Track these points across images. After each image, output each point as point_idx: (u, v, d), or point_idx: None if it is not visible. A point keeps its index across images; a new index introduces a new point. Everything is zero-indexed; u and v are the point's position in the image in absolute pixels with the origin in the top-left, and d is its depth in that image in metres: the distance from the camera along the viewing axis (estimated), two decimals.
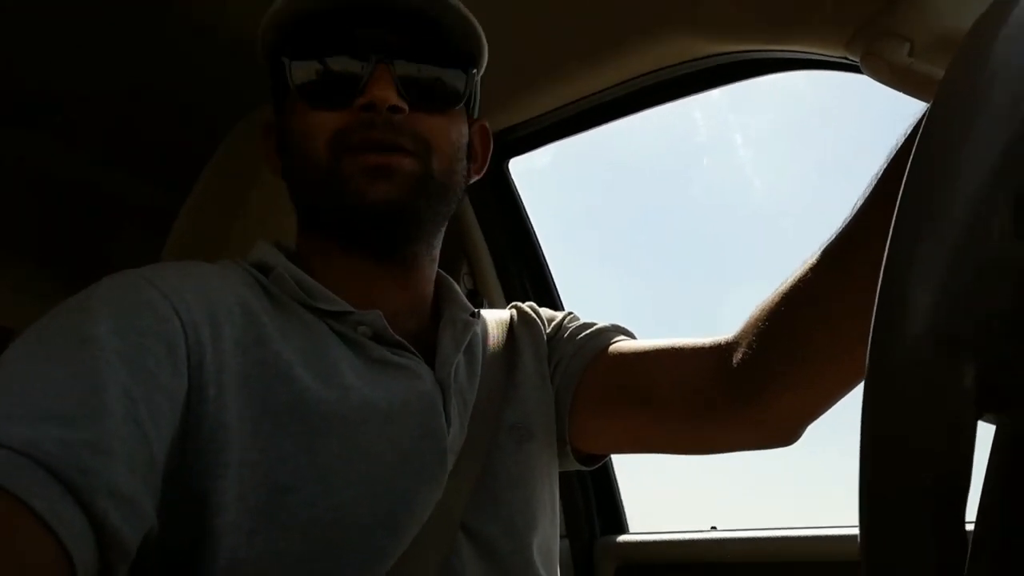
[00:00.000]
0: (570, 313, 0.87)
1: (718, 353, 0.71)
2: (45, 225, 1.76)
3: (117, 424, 0.48)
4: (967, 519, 0.25)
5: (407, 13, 0.68)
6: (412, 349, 0.69)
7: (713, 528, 1.24)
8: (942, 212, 0.26)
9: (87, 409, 0.48)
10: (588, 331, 0.81)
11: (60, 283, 1.81)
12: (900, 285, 0.26)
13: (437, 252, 0.77)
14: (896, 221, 0.27)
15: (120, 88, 1.36)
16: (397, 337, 0.68)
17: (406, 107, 0.67)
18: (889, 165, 0.58)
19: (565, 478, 1.37)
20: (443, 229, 0.76)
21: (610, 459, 1.41)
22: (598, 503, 1.38)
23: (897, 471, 0.25)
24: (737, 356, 0.69)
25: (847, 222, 0.62)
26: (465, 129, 0.75)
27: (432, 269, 0.77)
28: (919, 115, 0.57)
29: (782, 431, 0.71)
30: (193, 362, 0.56)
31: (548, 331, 0.84)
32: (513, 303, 0.88)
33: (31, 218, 1.74)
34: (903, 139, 0.57)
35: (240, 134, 1.13)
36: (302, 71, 0.68)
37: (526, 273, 1.42)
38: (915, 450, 0.25)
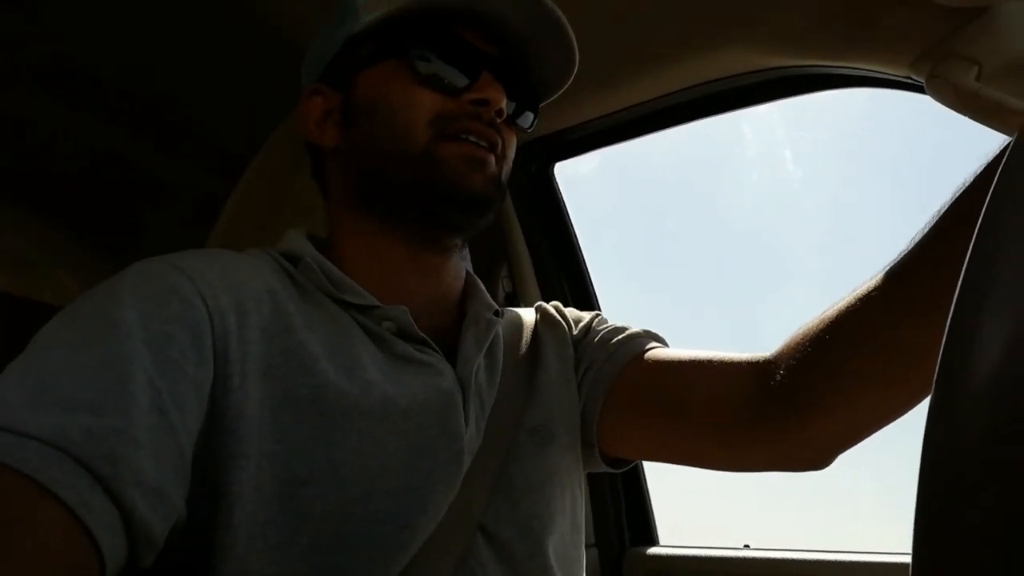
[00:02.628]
0: (598, 314, 0.86)
1: (755, 371, 0.71)
2: (95, 205, 1.80)
3: (143, 414, 0.49)
4: None
5: (517, 36, 0.73)
6: (435, 346, 0.69)
7: (746, 546, 1.22)
8: (1013, 277, 0.25)
9: (114, 398, 0.48)
10: (621, 336, 0.80)
11: (108, 263, 1.86)
12: (971, 324, 0.25)
13: (466, 249, 0.79)
14: (971, 256, 0.26)
15: (176, 74, 1.39)
16: (421, 334, 0.68)
17: (505, 115, 0.72)
18: (955, 202, 0.56)
19: (596, 487, 1.37)
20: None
21: (642, 469, 1.40)
22: (628, 513, 1.37)
23: (960, 506, 0.24)
24: (775, 376, 0.68)
25: (904, 254, 0.60)
26: None
27: (461, 265, 0.78)
28: (993, 153, 0.55)
29: (814, 457, 0.70)
30: (219, 350, 0.56)
31: (575, 333, 0.83)
32: (539, 303, 0.88)
33: (82, 198, 1.79)
34: (973, 176, 0.55)
35: (290, 125, 1.14)
36: (420, 51, 0.70)
37: (565, 278, 1.41)
38: (980, 487, 0.24)
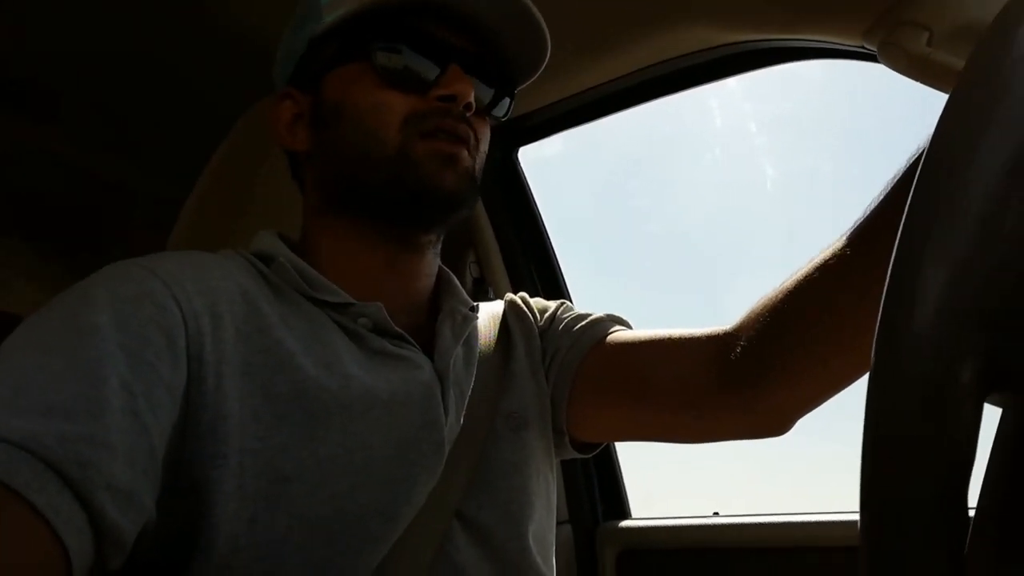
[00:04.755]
0: (563, 303, 0.87)
1: (716, 343, 0.72)
2: (52, 213, 1.77)
3: (116, 417, 0.48)
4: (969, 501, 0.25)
5: (487, 28, 0.71)
6: (412, 341, 0.69)
7: (715, 514, 1.24)
8: (957, 197, 0.25)
9: (86, 402, 0.48)
10: (584, 322, 0.81)
11: (66, 270, 1.84)
12: (912, 262, 0.26)
13: (440, 247, 0.78)
14: (911, 202, 0.27)
15: (126, 78, 1.36)
16: (397, 329, 0.69)
17: (475, 107, 0.70)
18: (909, 168, 0.57)
19: (568, 463, 1.38)
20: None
21: (612, 445, 1.41)
22: (600, 489, 1.38)
23: (901, 451, 0.25)
24: (736, 347, 0.70)
25: (859, 222, 0.61)
26: None
27: (435, 262, 0.78)
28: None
29: (774, 422, 0.72)
30: (192, 353, 0.56)
31: (541, 323, 0.84)
32: (507, 295, 0.88)
33: (38, 206, 1.75)
34: (925, 143, 0.56)
35: (246, 126, 1.13)
36: (385, 51, 0.69)
37: (533, 262, 1.41)
38: (919, 430, 0.25)
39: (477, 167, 0.73)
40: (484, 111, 0.74)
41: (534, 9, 0.70)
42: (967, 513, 0.25)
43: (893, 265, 0.26)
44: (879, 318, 0.26)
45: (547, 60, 0.75)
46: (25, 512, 0.43)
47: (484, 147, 0.74)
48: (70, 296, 0.55)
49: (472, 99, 0.69)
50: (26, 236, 1.85)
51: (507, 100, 0.77)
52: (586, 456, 0.84)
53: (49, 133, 1.53)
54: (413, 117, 0.68)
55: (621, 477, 1.40)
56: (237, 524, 0.55)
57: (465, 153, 0.70)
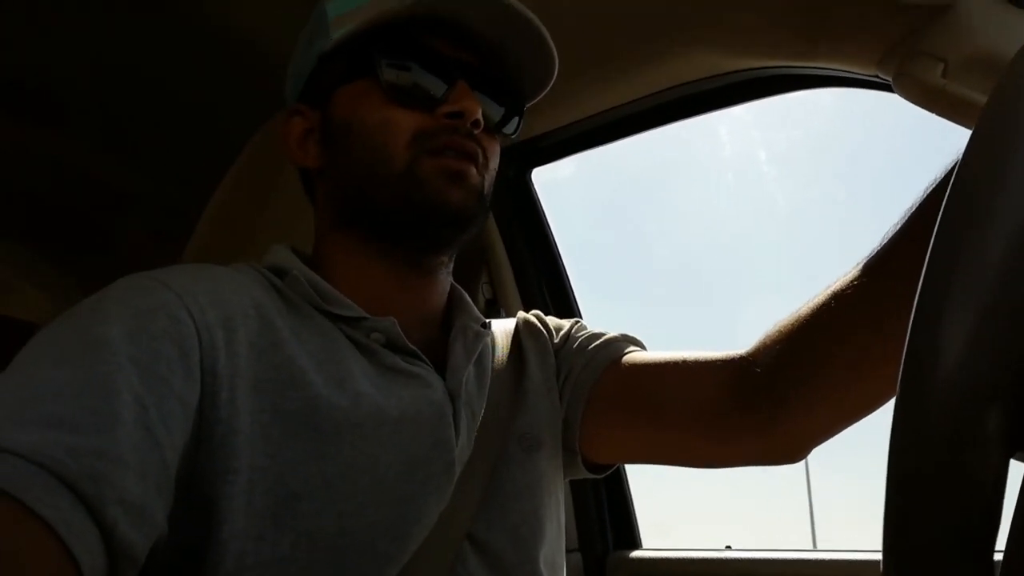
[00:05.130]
0: (578, 321, 0.87)
1: (731, 368, 0.72)
2: (60, 219, 1.78)
3: (128, 431, 0.48)
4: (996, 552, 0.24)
5: (494, 45, 0.71)
6: (424, 358, 0.69)
7: (728, 548, 1.23)
8: (979, 252, 0.25)
9: (99, 416, 0.47)
10: (599, 341, 0.81)
11: (72, 276, 1.85)
12: (932, 324, 0.26)
13: (452, 265, 0.78)
14: (930, 258, 0.27)
15: (146, 90, 1.37)
16: (410, 345, 0.68)
17: (483, 124, 0.70)
18: (927, 198, 0.57)
19: (578, 490, 1.37)
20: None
21: (624, 472, 1.40)
22: (611, 517, 1.37)
23: (925, 493, 0.25)
24: (751, 373, 0.69)
25: (876, 251, 0.61)
26: None
27: (447, 281, 0.78)
28: (961, 152, 0.56)
29: (789, 449, 0.71)
30: (206, 366, 0.55)
31: (555, 341, 0.84)
32: (520, 312, 0.88)
33: (46, 212, 1.77)
34: (943, 173, 0.56)
35: (262, 139, 1.14)
36: (392, 68, 0.69)
37: (545, 282, 1.41)
38: (944, 490, 0.25)
39: (486, 184, 0.72)
40: (494, 129, 0.74)
41: (540, 25, 0.70)
42: (993, 567, 0.25)
43: (917, 306, 0.26)
44: (903, 359, 0.26)
45: (555, 77, 0.75)
46: (37, 527, 0.43)
47: (493, 164, 0.74)
48: (83, 308, 0.55)
49: (480, 116, 0.69)
50: (32, 241, 1.87)
51: (516, 118, 0.76)
52: (598, 477, 0.83)
53: (60, 139, 1.54)
54: (421, 134, 0.68)
55: (632, 505, 1.39)
56: (245, 541, 0.54)
57: (473, 170, 0.69)
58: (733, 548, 1.22)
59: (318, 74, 0.74)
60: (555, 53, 0.72)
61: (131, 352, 0.51)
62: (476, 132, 0.69)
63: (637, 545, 1.36)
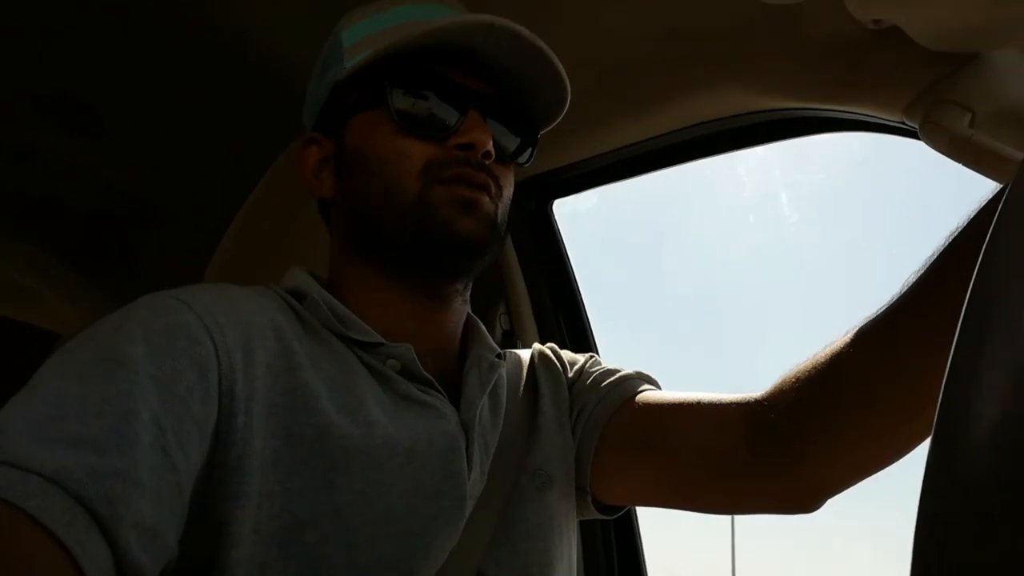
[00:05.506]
0: (592, 356, 0.86)
1: (746, 412, 0.70)
2: (88, 231, 1.81)
3: (145, 453, 0.48)
4: None
5: (507, 73, 0.71)
6: (438, 387, 0.69)
7: None
8: (1014, 321, 0.24)
9: (116, 437, 0.48)
10: (613, 378, 0.80)
11: (100, 289, 1.87)
12: (964, 398, 0.25)
13: (469, 295, 0.77)
14: (962, 327, 0.26)
15: (180, 110, 1.40)
16: (426, 374, 0.68)
17: (494, 154, 0.70)
18: (948, 247, 0.57)
19: (587, 531, 1.35)
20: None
21: (634, 514, 1.38)
22: (619, 559, 1.35)
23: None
24: (767, 419, 0.68)
25: (899, 296, 0.60)
26: None
27: (463, 310, 0.77)
28: (987, 197, 0.55)
29: (804, 499, 0.70)
30: (224, 388, 0.56)
31: (570, 376, 0.83)
32: (535, 344, 0.87)
33: (75, 223, 1.79)
34: (965, 222, 0.56)
35: (285, 162, 1.15)
36: (404, 98, 0.69)
37: (563, 315, 1.41)
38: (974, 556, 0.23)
39: (500, 214, 0.72)
40: (507, 158, 0.74)
41: (551, 54, 0.70)
42: None
43: (941, 402, 0.25)
44: (928, 456, 0.25)
45: (573, 111, 0.75)
46: (51, 546, 0.43)
47: (507, 194, 0.74)
48: (105, 326, 0.56)
49: (491, 147, 0.69)
50: (60, 251, 1.89)
51: (530, 148, 0.76)
52: (608, 518, 0.82)
53: (95, 153, 1.57)
54: (432, 164, 0.68)
55: (641, 549, 1.37)
56: (251, 568, 0.54)
57: (485, 199, 0.69)
58: None
59: (332, 102, 0.75)
60: (567, 81, 0.72)
61: (152, 372, 0.52)
62: (488, 163, 0.69)
63: None
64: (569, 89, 0.73)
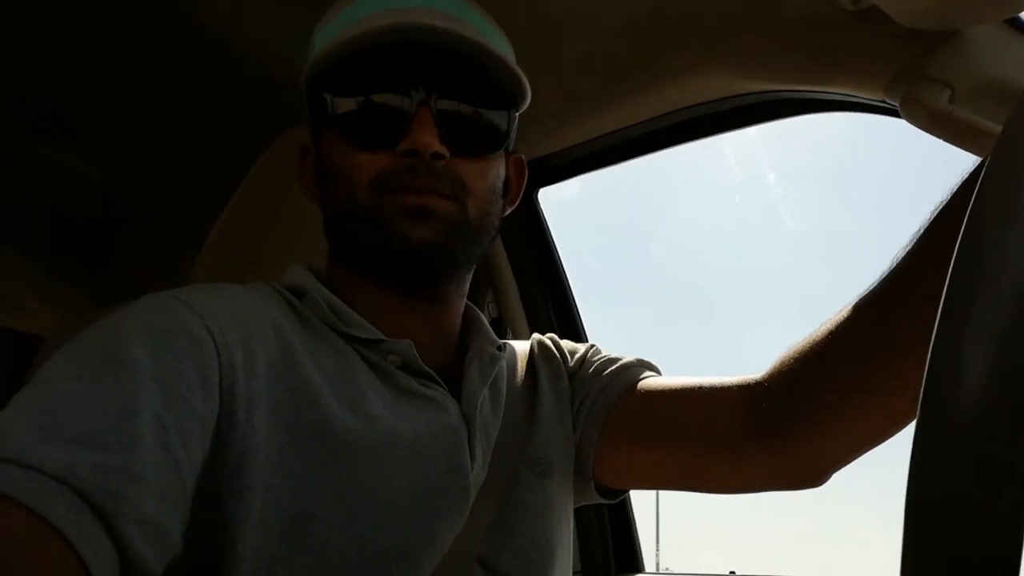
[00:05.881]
0: (593, 346, 0.87)
1: (747, 393, 0.71)
2: (71, 233, 1.79)
3: (148, 450, 0.49)
4: None
5: (449, 53, 0.66)
6: (439, 381, 0.69)
7: (732, 573, 1.22)
8: (999, 275, 0.25)
9: (119, 434, 0.48)
10: (614, 367, 0.80)
11: (90, 294, 1.85)
12: (952, 351, 0.25)
13: (467, 288, 0.77)
14: (950, 283, 0.26)
15: (156, 106, 1.39)
16: (426, 368, 0.68)
17: (447, 153, 0.66)
18: (934, 220, 0.58)
19: (582, 513, 1.36)
20: (474, 267, 0.76)
21: (628, 497, 1.39)
22: (614, 540, 1.36)
23: (946, 542, 0.24)
24: (767, 398, 0.69)
25: (889, 272, 0.61)
26: (502, 169, 0.74)
27: (461, 304, 0.77)
28: (969, 170, 0.56)
29: (808, 475, 0.71)
30: (225, 386, 0.56)
31: (570, 365, 0.83)
32: (534, 335, 0.88)
33: (57, 225, 1.78)
34: (949, 195, 0.57)
35: (272, 155, 1.14)
36: (345, 109, 0.68)
37: (551, 303, 1.41)
38: (967, 522, 0.24)
39: (470, 212, 0.68)
40: (468, 152, 0.69)
41: (490, 45, 0.66)
42: None
43: (937, 329, 0.26)
44: (919, 409, 0.26)
45: (529, 94, 0.70)
46: (55, 542, 0.43)
47: (477, 186, 0.69)
48: (106, 326, 0.56)
49: (438, 147, 0.65)
50: (41, 254, 1.87)
51: (502, 135, 0.71)
52: (610, 502, 0.83)
53: (74, 154, 1.56)
54: (381, 176, 0.66)
55: (635, 529, 1.38)
56: (258, 561, 0.55)
57: (439, 202, 0.66)
58: (737, 573, 1.21)
59: (310, 110, 0.74)
60: (519, 72, 0.69)
61: (153, 371, 0.52)
62: (440, 163, 0.66)
63: (640, 569, 1.35)
64: (523, 79, 0.69)
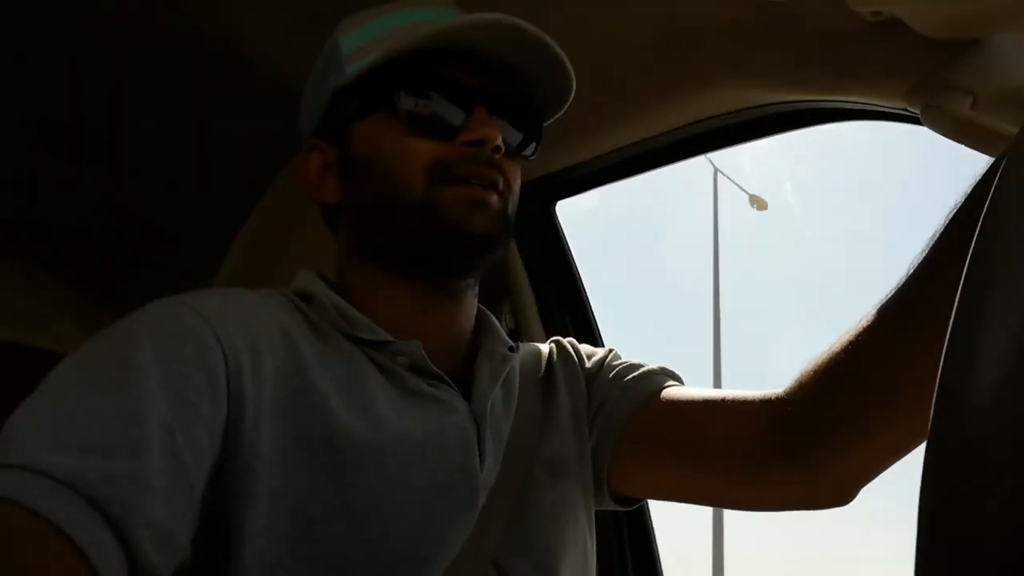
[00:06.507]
0: (613, 350, 0.86)
1: (769, 408, 0.70)
2: (102, 259, 1.82)
3: (156, 456, 0.49)
4: None
5: (510, 68, 0.71)
6: (449, 381, 0.69)
7: None
8: (1014, 279, 0.24)
9: (127, 440, 0.48)
10: (636, 372, 0.80)
11: (106, 311, 1.88)
12: (966, 357, 0.25)
13: (477, 288, 0.78)
14: (963, 288, 0.26)
15: (178, 129, 1.41)
16: (435, 369, 0.68)
17: (504, 150, 0.70)
18: (950, 223, 0.57)
19: (600, 523, 1.34)
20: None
21: (647, 507, 1.38)
22: (632, 552, 1.35)
23: (960, 544, 0.24)
24: (788, 413, 0.68)
25: (905, 280, 0.60)
26: None
27: (473, 304, 0.78)
28: (981, 172, 0.56)
29: (834, 492, 0.69)
30: (232, 390, 0.56)
31: (589, 368, 0.83)
32: (554, 338, 0.87)
33: (89, 252, 1.80)
34: (964, 197, 0.56)
35: (286, 178, 1.16)
36: (410, 99, 0.69)
37: (568, 315, 1.41)
38: (980, 524, 0.23)
39: (510, 208, 0.73)
40: (514, 152, 0.74)
41: (555, 46, 0.70)
42: None
43: (949, 343, 0.26)
44: (931, 415, 0.25)
45: (577, 111, 0.75)
46: (65, 548, 0.43)
47: (516, 187, 0.74)
48: (113, 332, 0.56)
49: (500, 142, 0.69)
50: (66, 275, 1.90)
51: (535, 141, 0.76)
52: (625, 509, 0.82)
53: (98, 177, 1.58)
54: (439, 163, 0.68)
55: (654, 539, 1.37)
56: (264, 565, 0.55)
57: (495, 197, 0.70)
58: None
59: (334, 108, 0.75)
60: (571, 71, 0.72)
61: (160, 377, 0.52)
62: (497, 157, 0.70)
63: None
64: (573, 79, 0.73)
